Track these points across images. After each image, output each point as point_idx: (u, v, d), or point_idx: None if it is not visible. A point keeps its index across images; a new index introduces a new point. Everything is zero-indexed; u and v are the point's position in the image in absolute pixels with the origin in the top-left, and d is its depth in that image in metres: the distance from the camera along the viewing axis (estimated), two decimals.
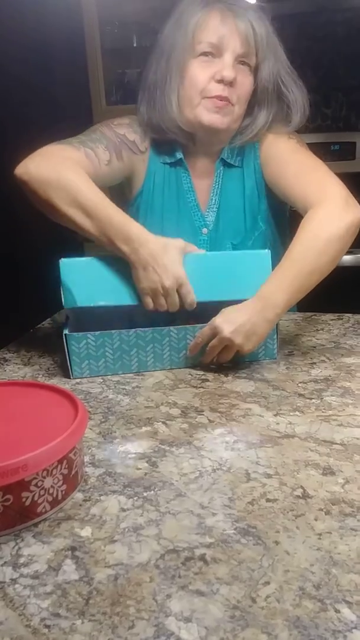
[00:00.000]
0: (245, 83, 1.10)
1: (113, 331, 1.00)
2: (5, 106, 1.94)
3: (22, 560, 0.59)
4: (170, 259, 1.00)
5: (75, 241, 1.90)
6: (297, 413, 0.87)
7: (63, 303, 1.02)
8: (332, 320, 1.29)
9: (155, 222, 1.02)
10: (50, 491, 0.64)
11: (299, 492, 0.68)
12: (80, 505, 0.67)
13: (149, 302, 1.02)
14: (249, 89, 1.11)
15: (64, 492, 0.66)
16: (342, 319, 1.29)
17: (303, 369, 1.03)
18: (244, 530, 0.61)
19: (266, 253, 1.07)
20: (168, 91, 1.11)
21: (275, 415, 0.87)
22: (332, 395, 0.92)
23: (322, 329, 1.23)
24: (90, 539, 0.61)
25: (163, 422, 0.86)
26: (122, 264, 1.03)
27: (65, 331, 1.00)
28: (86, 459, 0.77)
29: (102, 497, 0.68)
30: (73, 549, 0.60)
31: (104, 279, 1.03)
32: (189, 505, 0.66)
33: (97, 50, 2.55)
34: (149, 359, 1.03)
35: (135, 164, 1.20)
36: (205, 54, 1.08)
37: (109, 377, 1.03)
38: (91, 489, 0.70)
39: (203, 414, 0.88)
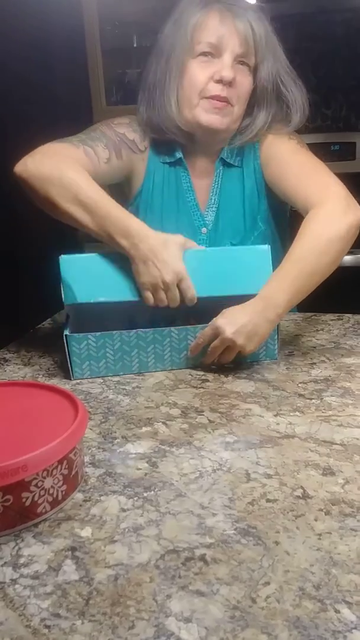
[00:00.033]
0: (245, 83, 1.10)
1: (114, 332, 1.00)
2: (6, 104, 1.94)
3: (22, 560, 0.59)
4: (170, 254, 1.00)
5: (75, 241, 1.91)
6: (297, 413, 0.87)
7: (63, 299, 1.02)
8: (332, 320, 1.29)
9: (155, 222, 1.02)
10: (51, 491, 0.64)
11: (299, 492, 0.68)
12: (81, 505, 0.67)
13: (149, 297, 1.01)
14: (248, 89, 1.12)
15: (64, 493, 0.66)
16: (342, 319, 1.29)
17: (303, 369, 1.03)
18: (244, 530, 0.61)
19: (266, 248, 1.07)
20: (167, 91, 1.11)
21: (275, 415, 0.87)
22: (332, 396, 0.92)
23: (322, 329, 1.23)
24: (90, 539, 0.61)
25: (163, 423, 0.86)
26: (122, 261, 1.03)
27: (66, 332, 1.00)
28: (86, 459, 0.77)
29: (102, 498, 0.68)
30: (73, 549, 0.60)
31: (104, 275, 1.04)
32: (189, 506, 0.66)
33: (98, 50, 2.55)
34: (150, 359, 1.03)
35: (135, 163, 1.20)
36: (204, 54, 1.08)
37: (109, 377, 1.03)
38: (91, 489, 0.70)
39: (203, 414, 0.88)
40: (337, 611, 0.51)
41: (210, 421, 0.86)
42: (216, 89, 1.08)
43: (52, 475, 0.64)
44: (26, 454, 0.60)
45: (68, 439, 0.65)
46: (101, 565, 0.57)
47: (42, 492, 0.63)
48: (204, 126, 1.11)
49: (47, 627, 0.50)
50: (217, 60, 1.08)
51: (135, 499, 0.68)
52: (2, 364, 1.11)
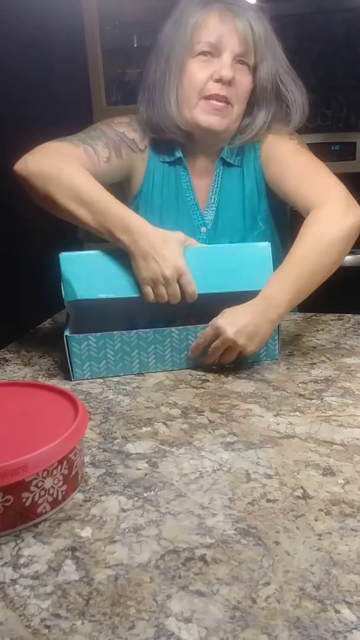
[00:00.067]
0: (244, 82, 1.11)
1: (114, 332, 1.00)
2: (6, 104, 1.94)
3: (22, 560, 0.59)
4: (170, 250, 1.00)
5: (75, 241, 1.91)
6: (297, 413, 0.87)
7: (63, 296, 1.02)
8: (332, 320, 1.29)
9: (154, 221, 1.02)
10: (51, 491, 0.64)
11: (299, 492, 0.68)
12: (81, 505, 0.67)
13: (150, 292, 1.01)
14: (247, 88, 1.12)
15: (64, 493, 0.66)
16: (342, 319, 1.29)
17: (303, 369, 1.03)
18: (244, 530, 0.61)
19: (266, 245, 1.07)
20: (167, 90, 1.12)
21: (275, 415, 0.87)
22: (332, 396, 0.92)
23: (323, 330, 1.23)
24: (90, 540, 0.61)
25: (163, 423, 0.86)
26: (122, 257, 1.03)
27: (66, 333, 1.00)
28: (86, 459, 0.77)
29: (102, 498, 0.68)
30: (73, 549, 0.60)
31: (104, 272, 1.03)
32: (189, 506, 0.66)
33: (98, 50, 2.55)
34: (151, 360, 1.03)
35: (135, 162, 1.20)
36: (204, 53, 1.09)
37: (109, 377, 1.03)
38: (91, 490, 0.70)
39: (203, 415, 0.88)
40: (337, 611, 0.51)
41: (210, 421, 0.86)
42: (215, 88, 1.08)
43: (52, 475, 0.64)
44: (26, 454, 0.60)
45: (68, 439, 0.65)
46: (101, 565, 0.57)
47: (42, 492, 0.63)
48: (203, 127, 1.12)
49: (47, 627, 0.50)
50: (216, 59, 1.08)
51: (136, 499, 0.68)
52: (2, 364, 1.11)
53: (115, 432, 0.84)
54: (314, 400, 0.91)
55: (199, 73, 1.09)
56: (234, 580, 0.55)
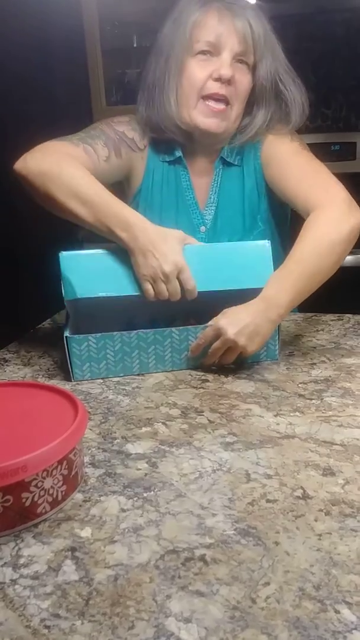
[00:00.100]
0: (244, 81, 1.11)
1: (114, 333, 1.00)
2: (6, 104, 1.94)
3: (22, 560, 0.59)
4: (169, 247, 1.00)
5: (75, 241, 1.91)
6: (297, 414, 0.87)
7: (63, 295, 1.02)
8: (332, 320, 1.29)
9: (154, 220, 1.03)
10: (50, 492, 0.64)
11: (299, 492, 0.68)
12: (80, 505, 0.67)
13: (149, 289, 1.01)
14: (247, 87, 1.12)
15: (63, 493, 0.66)
16: (342, 319, 1.29)
17: (303, 369, 1.03)
18: (244, 530, 0.61)
19: (266, 243, 1.07)
20: (167, 90, 1.12)
21: (275, 415, 0.87)
22: (332, 396, 0.92)
23: (323, 330, 1.23)
24: (90, 540, 0.61)
25: (163, 423, 0.86)
26: (122, 257, 1.03)
27: (66, 333, 1.00)
28: (86, 459, 0.77)
29: (102, 498, 0.68)
30: (73, 549, 0.60)
31: (104, 271, 1.03)
32: (189, 506, 0.66)
33: (97, 50, 2.55)
34: (151, 360, 1.03)
35: (134, 162, 1.20)
36: (203, 52, 1.09)
37: (109, 377, 1.03)
38: (91, 490, 0.70)
39: (203, 415, 0.88)
40: (337, 611, 0.51)
41: (210, 421, 0.86)
42: (215, 87, 1.09)
43: (52, 475, 0.64)
44: (26, 455, 0.60)
45: (68, 440, 0.65)
46: (101, 565, 0.57)
47: (42, 493, 0.63)
48: (201, 129, 1.12)
49: (47, 627, 0.50)
50: (216, 58, 1.09)
51: (135, 499, 0.68)
52: (2, 364, 1.11)
53: (115, 432, 0.84)
54: (314, 401, 0.91)
55: (199, 72, 1.09)
56: (233, 581, 0.55)
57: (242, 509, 0.65)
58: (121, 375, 1.03)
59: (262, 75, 1.12)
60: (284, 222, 1.30)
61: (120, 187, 1.24)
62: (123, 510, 0.66)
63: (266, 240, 1.08)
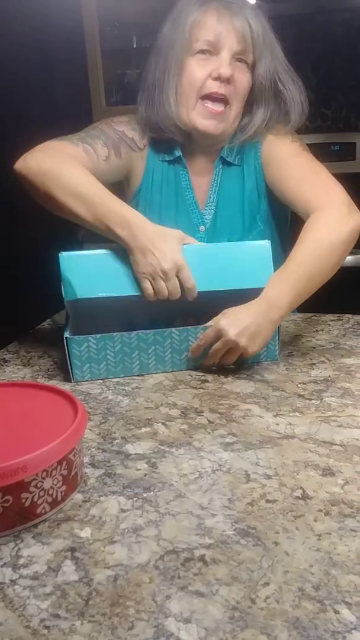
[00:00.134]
0: (243, 80, 1.11)
1: (114, 334, 1.00)
2: (6, 105, 1.94)
3: (21, 561, 0.59)
4: (168, 245, 1.00)
5: (75, 241, 1.91)
6: (296, 414, 0.87)
7: (63, 295, 1.02)
8: (332, 321, 1.29)
9: (154, 219, 1.03)
10: (50, 492, 0.64)
11: (298, 493, 0.68)
12: (80, 506, 0.67)
13: (149, 287, 1.01)
14: (246, 86, 1.12)
15: (63, 493, 0.66)
16: (342, 319, 1.29)
17: (303, 369, 1.03)
18: (243, 531, 0.61)
19: (266, 243, 1.07)
20: (166, 89, 1.12)
21: (275, 416, 0.87)
22: (331, 396, 0.92)
23: (322, 330, 1.23)
24: (89, 540, 0.61)
25: (163, 423, 0.86)
26: (121, 257, 1.03)
27: (66, 334, 1.00)
28: (86, 459, 0.77)
29: (101, 498, 0.68)
30: (73, 549, 0.60)
31: (104, 271, 1.04)
32: (188, 506, 0.66)
33: (97, 51, 2.55)
34: (151, 361, 1.03)
35: (134, 161, 1.21)
36: (202, 51, 1.09)
37: (109, 378, 1.03)
38: (91, 490, 0.70)
39: (203, 415, 0.88)
40: (336, 612, 0.51)
41: (209, 422, 0.86)
42: (214, 86, 1.09)
43: (52, 475, 0.64)
44: (26, 455, 0.60)
45: (67, 440, 0.65)
46: (100, 565, 0.57)
47: (42, 493, 0.63)
48: (200, 131, 1.13)
49: (47, 627, 0.50)
50: (215, 58, 1.09)
51: (135, 499, 0.68)
52: (2, 365, 1.11)
53: (115, 433, 0.84)
54: (313, 401, 0.91)
55: (198, 71, 1.09)
56: (233, 581, 0.55)
57: (242, 509, 0.65)
58: (121, 376, 1.03)
59: (261, 74, 1.12)
60: (284, 223, 1.30)
61: (120, 186, 1.25)
62: (123, 511, 0.66)
63: (266, 240, 1.08)
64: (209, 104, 1.10)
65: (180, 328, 1.02)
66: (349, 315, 1.31)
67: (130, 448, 0.79)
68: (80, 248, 1.07)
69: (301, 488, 0.69)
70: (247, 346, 0.97)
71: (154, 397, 0.95)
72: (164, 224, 1.03)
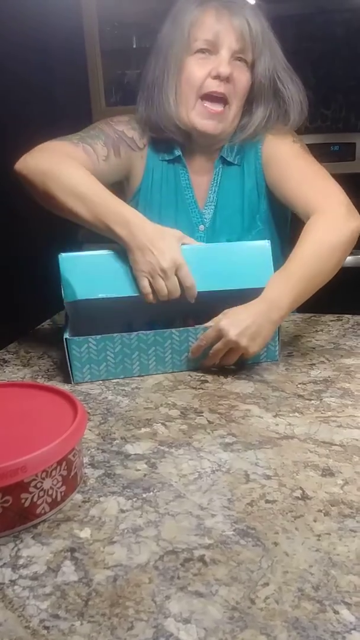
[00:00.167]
0: (242, 79, 1.11)
1: (114, 335, 1.00)
2: (6, 105, 1.94)
3: (21, 561, 0.59)
4: (167, 243, 1.00)
5: (75, 242, 1.91)
6: (296, 414, 0.87)
7: (63, 296, 1.02)
8: (331, 321, 1.29)
9: (154, 219, 1.03)
10: (50, 492, 0.64)
11: (298, 493, 0.68)
12: (80, 506, 0.67)
13: (146, 285, 1.01)
14: (245, 85, 1.12)
15: (63, 494, 0.66)
16: (341, 320, 1.29)
17: (302, 370, 1.03)
18: (243, 531, 0.61)
19: (265, 243, 1.07)
20: (166, 89, 1.13)
21: (274, 416, 0.87)
22: (331, 397, 0.92)
23: (322, 330, 1.23)
24: (89, 540, 0.61)
25: (162, 423, 0.86)
26: (121, 258, 1.03)
27: (66, 335, 1.00)
28: (85, 460, 0.77)
29: (101, 499, 0.68)
30: (72, 550, 0.60)
31: (104, 272, 1.04)
32: (188, 507, 0.66)
33: (97, 51, 2.55)
34: (151, 362, 1.03)
35: (134, 161, 1.21)
36: (201, 51, 1.09)
37: (109, 379, 1.03)
38: (90, 490, 0.70)
39: (202, 415, 0.88)
40: (336, 612, 0.51)
41: (209, 422, 0.86)
42: (213, 85, 1.09)
43: (51, 476, 0.64)
44: (25, 455, 0.60)
45: (67, 440, 0.65)
46: (100, 566, 0.57)
47: (41, 493, 0.63)
48: (199, 130, 1.13)
49: (46, 628, 0.50)
50: (214, 57, 1.09)
51: (134, 500, 0.68)
52: (2, 365, 1.11)
53: (114, 433, 0.84)
54: (313, 401, 0.91)
55: (197, 70, 1.10)
56: (232, 581, 0.55)
57: (241, 509, 0.65)
58: (121, 377, 1.03)
59: (260, 73, 1.12)
60: (284, 224, 1.31)
61: (120, 186, 1.25)
62: (122, 511, 0.66)
63: (266, 240, 1.08)
64: (208, 104, 1.11)
65: (181, 329, 1.02)
66: (349, 316, 1.31)
67: (129, 448, 0.79)
68: (80, 248, 1.07)
69: (301, 488, 0.69)
70: (248, 346, 0.97)
71: (154, 397, 0.95)
72: (163, 223, 1.04)
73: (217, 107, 1.11)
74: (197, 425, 0.85)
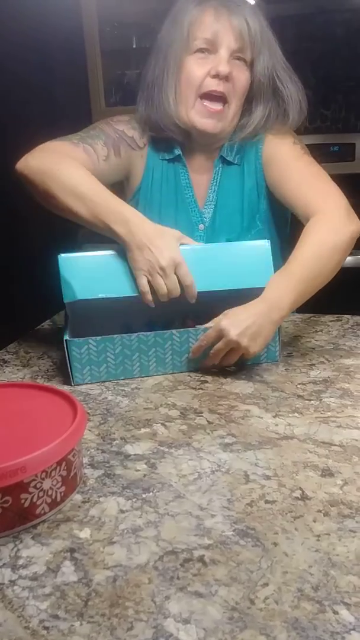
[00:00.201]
0: (241, 78, 1.11)
1: (115, 336, 1.00)
2: (5, 106, 1.94)
3: (21, 561, 0.59)
4: (166, 242, 1.00)
5: (75, 242, 1.91)
6: (296, 414, 0.87)
7: (63, 297, 1.02)
8: (331, 321, 1.29)
9: (153, 218, 1.03)
10: (49, 493, 0.64)
11: (297, 493, 0.68)
12: (79, 506, 0.67)
13: (145, 283, 1.01)
14: (245, 84, 1.13)
15: (62, 494, 0.66)
16: (341, 320, 1.29)
17: (302, 370, 1.04)
18: (242, 531, 0.62)
19: (265, 243, 1.07)
20: (165, 88, 1.13)
21: (274, 416, 0.87)
22: (331, 397, 0.93)
23: (322, 330, 1.23)
24: (89, 541, 0.61)
25: (162, 424, 0.86)
26: (120, 258, 1.03)
27: (66, 337, 1.00)
28: (85, 460, 0.77)
29: (101, 499, 0.68)
30: (72, 550, 0.60)
31: (103, 272, 1.04)
32: (187, 507, 0.66)
33: (97, 51, 2.55)
34: (151, 363, 1.03)
35: (134, 160, 1.21)
36: (200, 50, 1.10)
37: (109, 380, 1.03)
38: (90, 491, 0.70)
39: (202, 416, 0.88)
40: (335, 612, 0.51)
41: (209, 422, 0.86)
42: (213, 84, 1.10)
43: (51, 476, 0.64)
44: (25, 455, 0.60)
45: (67, 440, 0.65)
46: (100, 566, 0.57)
47: (41, 494, 0.63)
48: (198, 129, 1.13)
49: (46, 628, 0.50)
50: (213, 56, 1.10)
51: (134, 500, 0.68)
52: (1, 365, 1.11)
53: (114, 433, 0.84)
54: (312, 401, 0.91)
55: (197, 69, 1.10)
56: (232, 581, 0.55)
57: (241, 509, 0.65)
58: (121, 378, 1.03)
59: (259, 72, 1.13)
60: (284, 224, 1.31)
61: (120, 186, 1.25)
62: (122, 511, 0.66)
63: (266, 240, 1.08)
64: (208, 103, 1.11)
65: (181, 330, 1.02)
66: (348, 316, 1.31)
67: (129, 449, 0.80)
68: (80, 248, 1.07)
69: (300, 489, 0.69)
70: (249, 346, 0.97)
71: (154, 397, 0.95)
72: (163, 223, 1.04)
73: (217, 106, 1.11)
74: (196, 426, 0.85)
